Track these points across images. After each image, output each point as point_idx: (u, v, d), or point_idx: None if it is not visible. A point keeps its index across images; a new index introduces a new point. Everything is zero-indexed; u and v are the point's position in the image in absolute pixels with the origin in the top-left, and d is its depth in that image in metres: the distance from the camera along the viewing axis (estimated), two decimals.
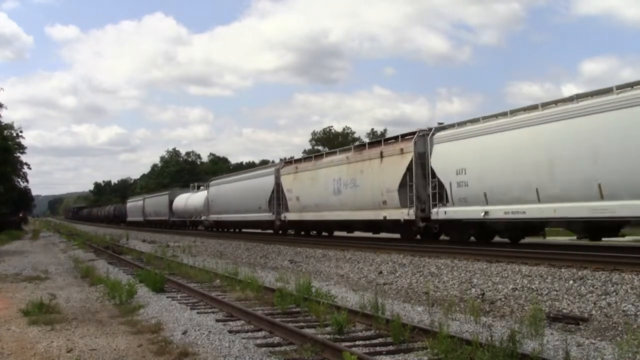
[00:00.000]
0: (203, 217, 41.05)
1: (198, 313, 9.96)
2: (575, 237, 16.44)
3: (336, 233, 27.72)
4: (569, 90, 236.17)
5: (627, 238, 17.93)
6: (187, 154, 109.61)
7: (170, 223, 51.48)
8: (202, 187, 45.72)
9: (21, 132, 51.79)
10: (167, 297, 11.86)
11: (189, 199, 45.93)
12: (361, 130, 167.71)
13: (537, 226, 16.01)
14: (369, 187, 21.28)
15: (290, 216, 27.95)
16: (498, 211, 15.67)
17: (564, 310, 9.02)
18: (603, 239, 14.96)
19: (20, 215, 64.91)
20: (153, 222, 59.01)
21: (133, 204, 70.99)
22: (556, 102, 14.78)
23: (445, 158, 17.78)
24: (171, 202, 50.83)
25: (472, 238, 18.15)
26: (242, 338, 7.84)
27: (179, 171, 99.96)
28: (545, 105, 14.94)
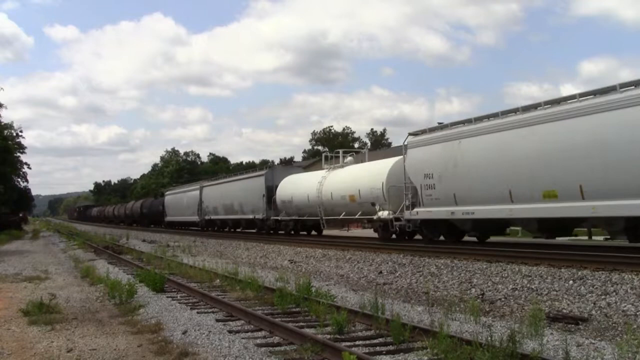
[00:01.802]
0: (383, 214, 20.39)
1: (198, 313, 9.96)
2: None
3: None
4: (567, 90, 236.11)
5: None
6: (186, 153, 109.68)
7: (271, 226, 30.22)
8: (348, 157, 26.20)
9: (21, 132, 51.91)
10: (167, 297, 11.86)
11: (329, 181, 24.81)
12: (361, 130, 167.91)
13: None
14: None
15: None
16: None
17: (564, 310, 9.02)
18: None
19: (21, 215, 64.88)
20: (224, 224, 37.30)
21: (179, 196, 48.19)
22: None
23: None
24: (270, 189, 29.90)
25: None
26: (242, 338, 7.84)
27: (179, 170, 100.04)
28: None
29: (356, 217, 23.05)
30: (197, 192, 41.92)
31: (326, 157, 28.14)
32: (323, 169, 26.92)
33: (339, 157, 26.45)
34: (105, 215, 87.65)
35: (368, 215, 21.87)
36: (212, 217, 38.89)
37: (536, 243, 16.24)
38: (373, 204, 21.10)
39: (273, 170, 32.08)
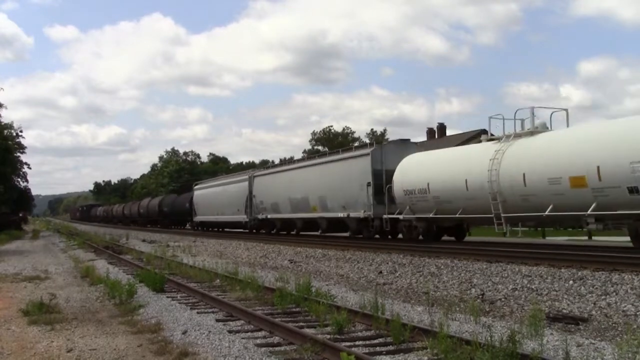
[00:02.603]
0: None
1: (198, 313, 9.96)
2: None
3: None
4: (567, 90, 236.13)
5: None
6: (186, 153, 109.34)
7: (382, 227, 21.32)
8: (537, 120, 16.88)
9: (21, 132, 51.78)
10: (167, 297, 11.86)
11: (513, 156, 16.00)
12: (361, 130, 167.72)
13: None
14: None
15: None
16: None
17: (564, 311, 9.02)
18: None
19: (21, 215, 64.91)
20: (289, 225, 29.02)
21: (215, 190, 38.25)
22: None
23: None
24: (379, 174, 21.12)
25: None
26: (242, 338, 7.84)
27: (179, 171, 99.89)
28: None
29: (588, 212, 13.73)
30: (245, 183, 32.31)
31: (493, 137, 17.90)
32: (486, 140, 18.12)
33: (521, 120, 16.95)
34: (113, 215, 79.57)
35: (611, 209, 13.50)
36: (270, 215, 29.44)
37: (536, 243, 16.23)
38: (634, 190, 12.81)
39: (383, 149, 21.95)
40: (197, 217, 41.59)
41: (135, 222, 64.44)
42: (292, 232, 29.84)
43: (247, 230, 33.41)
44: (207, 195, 39.96)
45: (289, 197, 27.32)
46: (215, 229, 40.15)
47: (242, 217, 32.53)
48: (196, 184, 44.81)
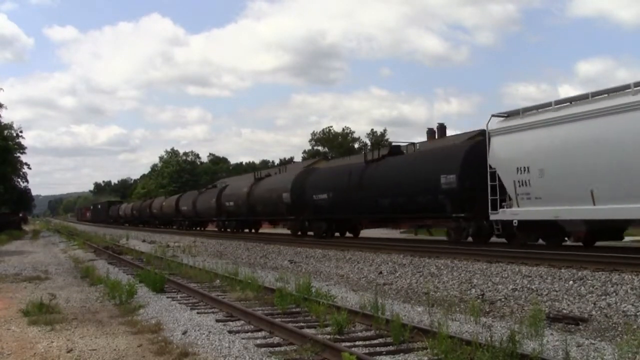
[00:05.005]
0: None
1: (198, 313, 9.96)
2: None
3: None
4: (565, 91, 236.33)
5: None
6: (185, 154, 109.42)
7: None
8: None
9: (21, 132, 51.85)
10: (167, 297, 11.86)
11: None
12: (360, 130, 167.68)
13: None
14: None
15: None
16: None
17: (564, 311, 9.02)
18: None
19: (21, 215, 64.97)
20: None
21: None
22: None
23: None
24: None
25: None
26: (242, 338, 7.84)
27: (179, 171, 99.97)
28: None
29: None
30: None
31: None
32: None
33: None
34: (152, 214, 55.08)
35: None
36: None
37: (536, 243, 16.22)
38: None
39: None
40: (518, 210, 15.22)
41: (202, 224, 42.31)
42: None
43: None
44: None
45: None
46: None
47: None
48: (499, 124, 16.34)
